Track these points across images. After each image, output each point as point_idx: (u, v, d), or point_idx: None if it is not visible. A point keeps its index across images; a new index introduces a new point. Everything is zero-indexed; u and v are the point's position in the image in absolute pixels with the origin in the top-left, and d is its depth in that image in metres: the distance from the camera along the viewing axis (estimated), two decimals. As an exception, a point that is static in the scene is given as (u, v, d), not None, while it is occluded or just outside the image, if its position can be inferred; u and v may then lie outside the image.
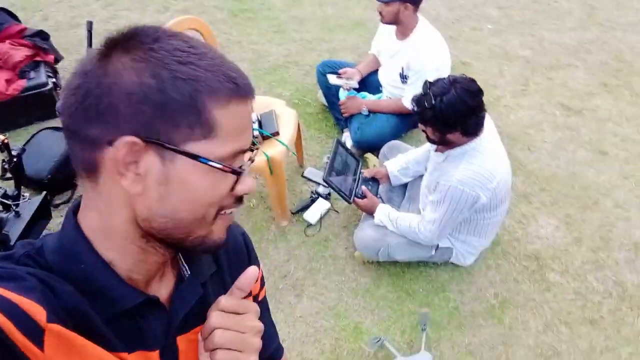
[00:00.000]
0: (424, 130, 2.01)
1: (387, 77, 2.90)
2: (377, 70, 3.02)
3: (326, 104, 3.10)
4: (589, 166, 2.97)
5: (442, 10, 3.65)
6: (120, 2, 3.97)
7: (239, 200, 0.63)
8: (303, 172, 2.80)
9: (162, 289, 0.70)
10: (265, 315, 0.87)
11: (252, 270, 0.70)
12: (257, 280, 0.84)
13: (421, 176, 2.45)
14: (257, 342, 0.67)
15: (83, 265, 0.60)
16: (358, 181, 2.39)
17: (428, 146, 2.41)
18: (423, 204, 2.32)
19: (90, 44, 2.34)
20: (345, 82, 2.87)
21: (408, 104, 2.79)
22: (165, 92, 0.53)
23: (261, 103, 2.45)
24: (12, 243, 2.03)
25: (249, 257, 0.86)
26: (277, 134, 2.31)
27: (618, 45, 3.86)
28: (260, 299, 0.88)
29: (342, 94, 2.94)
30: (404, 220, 2.18)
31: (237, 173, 0.60)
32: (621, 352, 2.21)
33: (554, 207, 2.76)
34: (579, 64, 3.68)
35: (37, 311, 0.53)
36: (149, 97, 0.53)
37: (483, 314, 2.34)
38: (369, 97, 2.95)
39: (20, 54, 2.76)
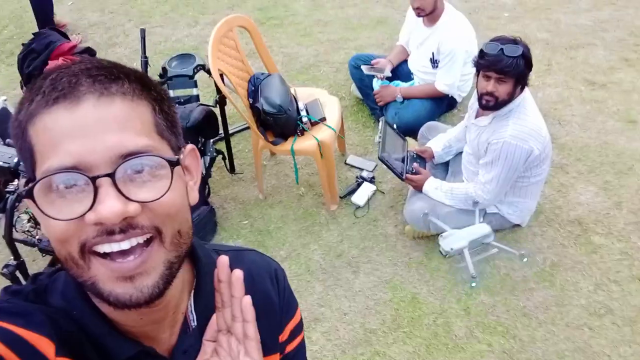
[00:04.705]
0: (487, 94, 2.06)
1: (417, 64, 3.04)
2: (406, 60, 3.16)
3: (360, 96, 3.24)
4: (620, 135, 3.05)
5: (457, 3, 3.77)
6: (153, 19, 4.18)
7: (109, 232, 0.51)
8: (346, 160, 2.95)
9: (168, 339, 0.65)
10: None
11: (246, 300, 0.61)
12: (282, 331, 0.77)
13: (461, 153, 2.58)
14: None
15: (75, 312, 0.59)
16: (407, 159, 2.52)
17: (464, 122, 2.54)
18: (467, 174, 2.43)
19: (144, 51, 2.51)
20: (379, 72, 3.00)
21: (441, 87, 2.92)
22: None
23: (305, 93, 2.61)
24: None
25: (280, 299, 0.76)
26: (324, 119, 2.45)
27: (633, 22, 3.95)
28: (291, 349, 0.78)
29: (376, 84, 3.08)
30: (458, 189, 2.30)
31: (27, 195, 0.52)
32: (673, 303, 2.28)
33: (590, 175, 2.84)
34: (598, 42, 3.78)
35: (46, 346, 0.54)
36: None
37: (534, 278, 2.43)
38: (401, 85, 3.08)
39: (72, 69, 2.94)
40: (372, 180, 2.80)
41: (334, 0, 4.29)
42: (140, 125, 0.53)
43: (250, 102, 2.42)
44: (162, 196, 0.53)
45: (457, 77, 2.91)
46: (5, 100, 2.60)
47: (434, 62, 2.91)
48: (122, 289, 0.53)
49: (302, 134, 2.45)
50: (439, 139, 2.63)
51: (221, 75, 2.28)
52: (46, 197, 0.51)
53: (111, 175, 0.50)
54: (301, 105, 2.47)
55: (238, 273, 0.61)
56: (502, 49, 1.97)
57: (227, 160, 2.78)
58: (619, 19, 3.99)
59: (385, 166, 2.44)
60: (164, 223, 0.54)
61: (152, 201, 0.52)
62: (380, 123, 2.51)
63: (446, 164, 2.68)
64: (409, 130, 2.91)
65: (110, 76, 0.53)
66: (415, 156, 2.58)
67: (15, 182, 2.06)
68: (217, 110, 2.63)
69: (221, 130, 2.69)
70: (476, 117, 2.30)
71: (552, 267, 2.46)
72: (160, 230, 0.54)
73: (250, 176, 2.90)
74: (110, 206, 0.49)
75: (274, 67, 2.61)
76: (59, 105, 0.51)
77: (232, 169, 2.85)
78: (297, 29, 3.98)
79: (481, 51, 2.05)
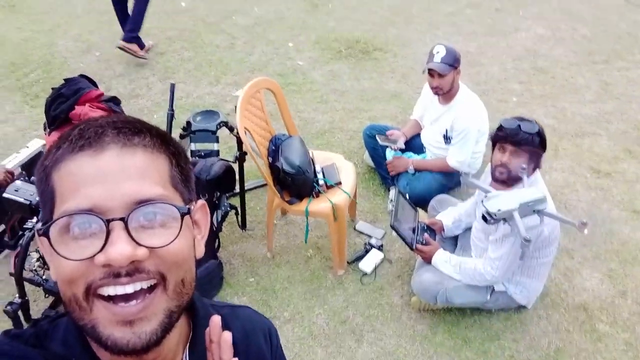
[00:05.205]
0: (501, 166, 2.13)
1: (430, 139, 3.14)
2: (419, 133, 3.27)
3: (372, 164, 3.32)
4: (625, 224, 3.11)
5: (469, 84, 3.96)
6: (176, 75, 4.35)
7: (116, 275, 0.53)
8: (355, 226, 2.98)
9: None
10: None
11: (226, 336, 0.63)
12: None
13: (470, 228, 2.61)
14: None
15: (74, 358, 0.60)
16: (417, 229, 2.55)
17: (475, 198, 2.59)
18: (476, 250, 2.45)
19: (171, 105, 2.61)
20: (393, 143, 3.10)
21: (452, 163, 3.01)
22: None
23: (323, 157, 2.69)
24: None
25: (273, 357, 0.79)
26: (340, 183, 2.51)
27: (636, 116, 4.12)
28: None
29: (389, 154, 3.17)
30: (467, 264, 2.31)
31: (43, 234, 0.54)
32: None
33: (596, 261, 2.87)
34: (602, 133, 3.92)
35: None
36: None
37: (539, 362, 2.40)
38: (414, 157, 3.17)
39: (97, 114, 3.04)
40: (380, 248, 2.82)
41: (350, 72, 4.50)
42: (157, 176, 0.57)
43: (270, 161, 2.49)
44: (170, 243, 0.55)
45: (469, 155, 3.00)
46: (44, 145, 2.70)
47: (447, 139, 3.01)
48: (121, 333, 0.54)
49: (317, 196, 2.50)
50: (449, 212, 2.67)
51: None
52: (60, 238, 0.53)
53: (124, 220, 0.53)
54: (318, 168, 2.54)
55: (226, 336, 0.62)
56: (519, 125, 2.08)
57: (239, 216, 2.81)
58: (623, 112, 4.16)
59: (396, 234, 2.47)
60: (169, 270, 0.56)
61: (160, 247, 0.55)
62: (393, 192, 2.57)
63: (455, 238, 2.71)
64: (420, 201, 2.96)
65: (134, 129, 0.58)
66: (425, 227, 2.61)
67: (34, 219, 2.08)
68: (235, 166, 2.70)
69: (237, 186, 2.74)
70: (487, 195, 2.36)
71: (556, 352, 2.43)
72: (165, 277, 0.56)
73: (260, 234, 2.92)
74: (121, 249, 0.52)
75: (294, 130, 2.70)
76: (84, 152, 0.54)
77: (243, 225, 2.87)
78: (314, 96, 4.15)
79: (500, 125, 2.15)
